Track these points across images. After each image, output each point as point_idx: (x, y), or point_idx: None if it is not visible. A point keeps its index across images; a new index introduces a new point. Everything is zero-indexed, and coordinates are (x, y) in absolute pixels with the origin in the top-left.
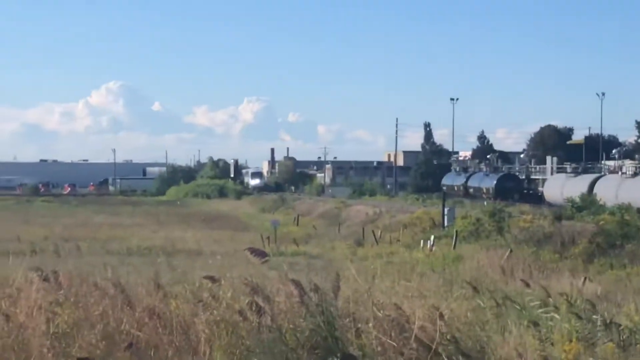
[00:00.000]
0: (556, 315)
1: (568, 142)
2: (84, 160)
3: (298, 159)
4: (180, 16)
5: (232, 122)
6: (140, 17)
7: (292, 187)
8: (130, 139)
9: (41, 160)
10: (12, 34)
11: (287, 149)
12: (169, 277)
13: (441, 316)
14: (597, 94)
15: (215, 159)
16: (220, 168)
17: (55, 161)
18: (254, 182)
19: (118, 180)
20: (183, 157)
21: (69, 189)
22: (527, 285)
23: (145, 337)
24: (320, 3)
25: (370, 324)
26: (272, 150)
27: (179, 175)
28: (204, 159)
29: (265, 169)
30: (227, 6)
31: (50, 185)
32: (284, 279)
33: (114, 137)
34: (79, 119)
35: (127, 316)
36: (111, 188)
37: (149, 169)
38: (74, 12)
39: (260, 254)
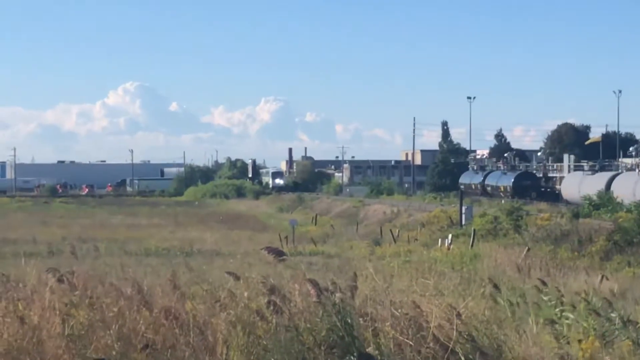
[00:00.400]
0: (571, 315)
1: (586, 143)
2: (101, 161)
3: (316, 158)
4: (197, 16)
5: (249, 122)
6: (156, 18)
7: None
8: (148, 139)
9: (59, 162)
10: (29, 35)
11: (305, 148)
12: (187, 277)
13: (458, 315)
14: (614, 92)
15: (233, 159)
16: (238, 168)
17: (72, 162)
18: (277, 181)
19: (136, 181)
20: (201, 158)
21: (87, 189)
22: (544, 284)
23: (161, 338)
24: (336, 3)
25: (388, 323)
26: (290, 150)
27: (196, 175)
28: (221, 159)
29: (283, 168)
30: (243, 6)
31: (68, 186)
32: (301, 279)
33: (131, 137)
34: (96, 120)
35: (143, 317)
36: (129, 189)
37: (166, 170)
38: (91, 12)
39: (277, 252)
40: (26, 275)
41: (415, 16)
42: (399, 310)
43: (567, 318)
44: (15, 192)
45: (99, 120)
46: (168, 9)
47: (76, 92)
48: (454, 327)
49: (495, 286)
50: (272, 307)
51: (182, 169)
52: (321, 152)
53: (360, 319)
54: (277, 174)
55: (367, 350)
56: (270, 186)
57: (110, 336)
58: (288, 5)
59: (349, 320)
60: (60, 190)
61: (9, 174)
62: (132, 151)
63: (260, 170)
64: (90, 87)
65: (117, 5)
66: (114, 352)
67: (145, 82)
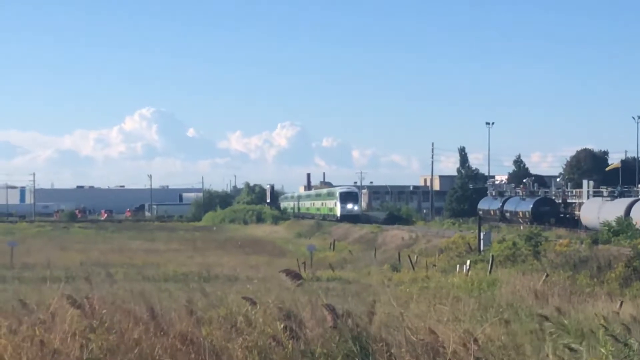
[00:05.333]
0: (591, 341)
1: (606, 169)
2: (120, 186)
3: (334, 183)
4: (213, 42)
5: (266, 147)
6: (172, 44)
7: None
8: (165, 164)
9: (78, 187)
10: (46, 61)
11: (324, 173)
12: (204, 302)
13: (475, 340)
14: (633, 117)
15: (251, 184)
16: (256, 193)
17: (91, 187)
18: (350, 208)
19: (154, 206)
20: (219, 183)
21: (106, 214)
22: (560, 312)
23: None
24: (353, 28)
25: (403, 349)
26: (308, 176)
27: (215, 200)
28: (239, 185)
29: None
30: (259, 34)
31: (87, 211)
32: (317, 304)
33: (148, 163)
34: (113, 145)
35: (160, 342)
36: (147, 214)
37: (185, 195)
38: (107, 39)
39: (295, 276)
40: (46, 300)
41: (431, 42)
42: (416, 336)
43: (587, 344)
44: (34, 217)
45: (116, 146)
46: (184, 35)
47: (93, 117)
48: (471, 353)
49: (510, 314)
50: (288, 333)
51: (200, 194)
52: (339, 177)
53: (377, 345)
54: (349, 196)
55: None
56: (339, 215)
57: None
58: (305, 31)
59: (366, 346)
60: (79, 216)
61: (29, 199)
62: (150, 176)
63: (284, 194)
64: (107, 113)
65: (133, 31)
66: None
67: (162, 107)
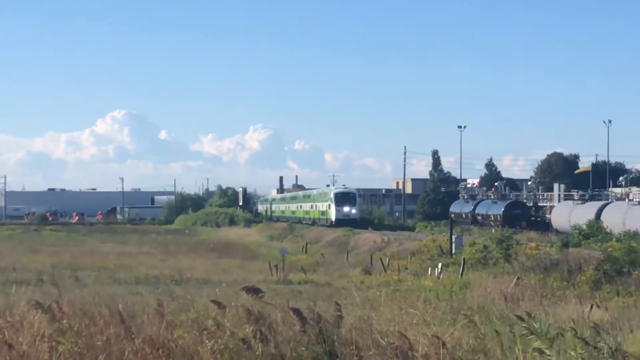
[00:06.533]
0: (561, 344)
1: (576, 172)
2: (92, 189)
3: (306, 186)
4: (185, 45)
5: (238, 150)
6: (144, 46)
7: None
8: (137, 167)
9: (49, 189)
10: (17, 63)
11: (296, 176)
12: (175, 306)
13: (444, 344)
14: (604, 121)
15: (223, 187)
16: (229, 196)
17: (63, 190)
18: (346, 211)
19: (126, 209)
20: (191, 186)
21: (77, 217)
22: (530, 316)
23: None
24: (325, 30)
25: (372, 352)
26: (281, 179)
27: (187, 203)
28: (212, 187)
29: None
30: (232, 34)
31: (58, 214)
32: (286, 308)
33: (120, 165)
34: (85, 148)
35: (129, 346)
36: (119, 217)
37: (157, 198)
38: (79, 40)
39: (254, 291)
40: (15, 303)
41: (403, 45)
42: (385, 340)
43: (557, 347)
44: (5, 220)
45: (87, 148)
46: (155, 37)
47: (64, 120)
48: (440, 357)
49: (481, 316)
50: (258, 336)
51: (172, 197)
52: (311, 180)
53: (346, 348)
54: (345, 198)
55: None
56: (333, 219)
57: None
58: (277, 33)
59: (334, 350)
60: (51, 218)
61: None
62: (122, 179)
63: (261, 197)
64: (78, 115)
65: (104, 33)
66: None
67: (134, 110)
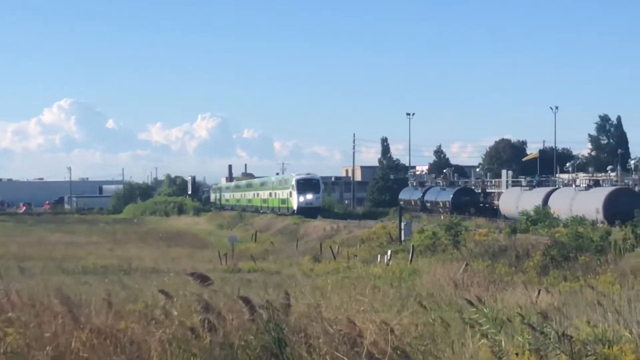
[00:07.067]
0: (509, 329)
1: (524, 159)
2: (39, 179)
3: (256, 174)
4: (132, 32)
5: (187, 139)
6: (90, 33)
7: None
8: (85, 156)
9: None
10: None
11: (245, 165)
12: (123, 296)
13: (392, 331)
14: (551, 108)
15: (172, 176)
16: (177, 185)
17: (10, 180)
18: (309, 198)
19: (74, 199)
20: (140, 175)
21: (24, 207)
22: (480, 300)
23: (96, 357)
24: (273, 18)
25: (321, 340)
26: (230, 167)
27: (135, 192)
28: (160, 177)
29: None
30: (179, 22)
31: (5, 204)
32: (235, 297)
33: (68, 155)
34: (31, 137)
35: (78, 336)
36: (67, 206)
37: (105, 187)
38: (23, 29)
39: (202, 278)
40: None
41: (351, 31)
42: (334, 327)
43: (505, 332)
44: None
45: (34, 138)
46: (101, 25)
47: (11, 109)
48: (389, 343)
49: (429, 303)
50: (206, 325)
51: (120, 187)
52: (261, 168)
53: (295, 336)
54: (307, 185)
55: None
56: (295, 207)
57: (45, 355)
58: (224, 22)
59: (283, 338)
60: None
61: None
62: (70, 169)
63: (212, 185)
64: (25, 105)
65: (50, 22)
66: None
67: (81, 99)
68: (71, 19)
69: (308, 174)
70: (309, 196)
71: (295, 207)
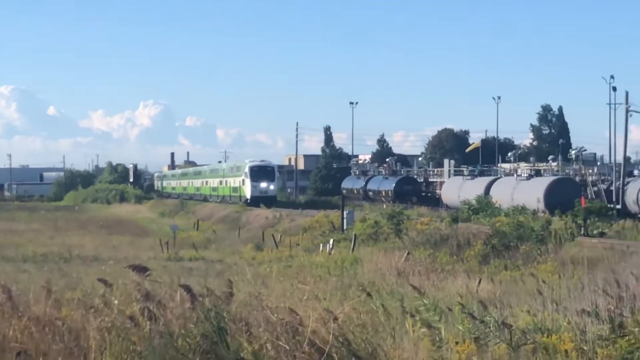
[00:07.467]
0: (449, 318)
1: (467, 150)
2: None
3: (198, 162)
4: (73, 17)
5: (129, 127)
6: (31, 19)
7: None
8: (26, 143)
9: None
10: None
11: (187, 153)
12: (62, 283)
13: (334, 319)
14: (493, 98)
15: (114, 163)
16: (119, 173)
17: None
18: (263, 187)
19: (14, 186)
20: (81, 162)
21: None
22: (419, 291)
23: (34, 345)
24: (215, 6)
25: (262, 328)
26: (172, 155)
27: (77, 180)
28: (102, 164)
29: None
30: (120, 8)
31: None
32: (175, 285)
33: (9, 142)
34: None
35: (16, 324)
36: (7, 193)
37: (46, 174)
38: None
39: (141, 269)
40: None
41: (296, 19)
42: (275, 316)
43: (445, 321)
44: None
45: None
46: (43, 10)
47: None
48: (330, 331)
49: (369, 294)
50: (146, 314)
51: (61, 174)
52: (203, 156)
53: (236, 324)
54: (261, 173)
55: (241, 355)
56: (248, 196)
57: None
58: (167, 7)
59: (224, 326)
60: None
61: None
62: (10, 155)
63: (156, 173)
64: None
65: None
66: None
67: (21, 85)
68: (14, 4)
69: (262, 160)
70: (264, 184)
71: (248, 196)
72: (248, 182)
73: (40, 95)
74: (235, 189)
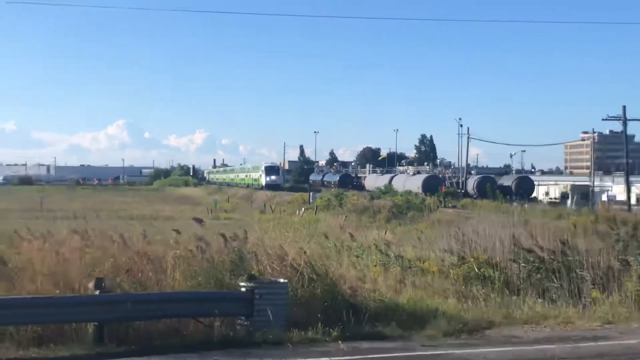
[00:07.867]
0: (369, 253)
1: (379, 159)
2: (105, 165)
3: (229, 164)
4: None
5: (190, 144)
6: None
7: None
8: (132, 153)
9: (81, 165)
10: None
11: (223, 159)
12: (152, 231)
13: (305, 253)
14: (394, 129)
15: (182, 165)
16: (184, 170)
17: (89, 165)
18: (271, 178)
19: (125, 177)
20: (163, 164)
21: (97, 181)
22: (352, 237)
23: (136, 266)
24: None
25: (264, 257)
26: (214, 160)
27: (161, 174)
28: (175, 165)
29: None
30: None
31: (86, 179)
32: (216, 233)
33: (122, 152)
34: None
35: (126, 254)
36: (121, 181)
37: (144, 171)
38: None
39: (199, 221)
40: (60, 229)
41: (248, 44)
42: (271, 250)
43: (367, 255)
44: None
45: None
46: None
47: None
48: (302, 260)
49: (326, 237)
50: (199, 248)
51: (152, 170)
52: (232, 161)
53: (249, 255)
54: (271, 170)
55: (252, 272)
56: (264, 184)
57: (108, 265)
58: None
59: (243, 256)
60: (82, 182)
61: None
62: (123, 160)
63: (214, 169)
64: None
65: None
66: (106, 274)
67: (130, 119)
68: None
69: (272, 162)
70: (273, 177)
71: (264, 184)
72: (263, 175)
73: (141, 125)
74: (255, 179)
